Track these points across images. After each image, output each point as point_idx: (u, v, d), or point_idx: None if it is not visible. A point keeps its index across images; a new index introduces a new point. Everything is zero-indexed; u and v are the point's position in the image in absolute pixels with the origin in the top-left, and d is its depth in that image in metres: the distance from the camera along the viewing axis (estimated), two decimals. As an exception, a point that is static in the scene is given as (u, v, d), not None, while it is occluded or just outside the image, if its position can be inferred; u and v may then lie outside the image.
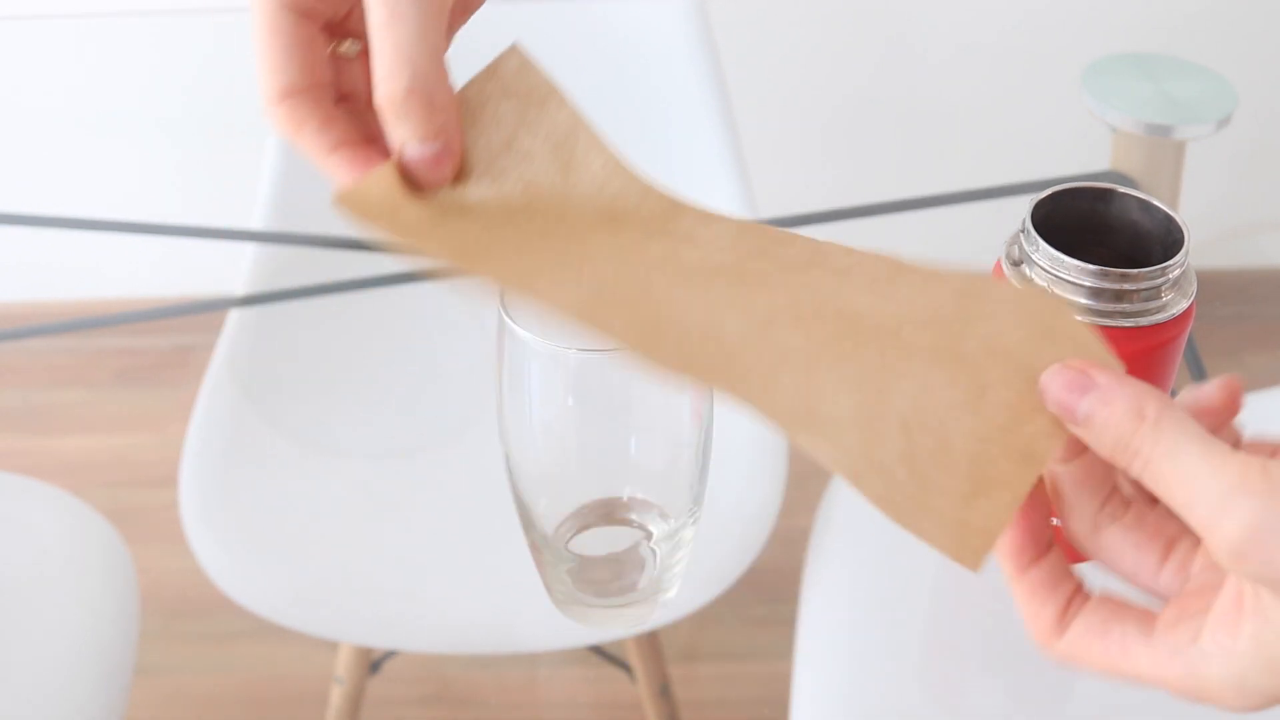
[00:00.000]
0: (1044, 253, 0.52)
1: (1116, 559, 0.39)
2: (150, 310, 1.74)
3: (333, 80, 0.43)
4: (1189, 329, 0.52)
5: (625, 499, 0.56)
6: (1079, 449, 0.39)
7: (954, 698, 0.87)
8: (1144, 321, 0.51)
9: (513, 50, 0.43)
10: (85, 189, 1.79)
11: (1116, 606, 0.39)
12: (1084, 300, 0.51)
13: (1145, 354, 0.52)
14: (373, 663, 1.23)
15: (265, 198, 1.22)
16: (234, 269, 1.19)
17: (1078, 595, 0.39)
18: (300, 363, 1.17)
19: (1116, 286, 0.51)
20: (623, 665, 1.33)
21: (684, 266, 0.40)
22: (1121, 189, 0.54)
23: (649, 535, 0.56)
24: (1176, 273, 0.51)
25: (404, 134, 0.40)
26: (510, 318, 0.51)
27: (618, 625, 0.58)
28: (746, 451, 1.02)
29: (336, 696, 1.18)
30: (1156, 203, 0.53)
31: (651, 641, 1.20)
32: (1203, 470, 0.35)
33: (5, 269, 1.84)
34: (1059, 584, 0.39)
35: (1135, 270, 0.51)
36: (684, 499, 0.55)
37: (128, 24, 1.69)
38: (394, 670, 1.39)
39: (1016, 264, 0.53)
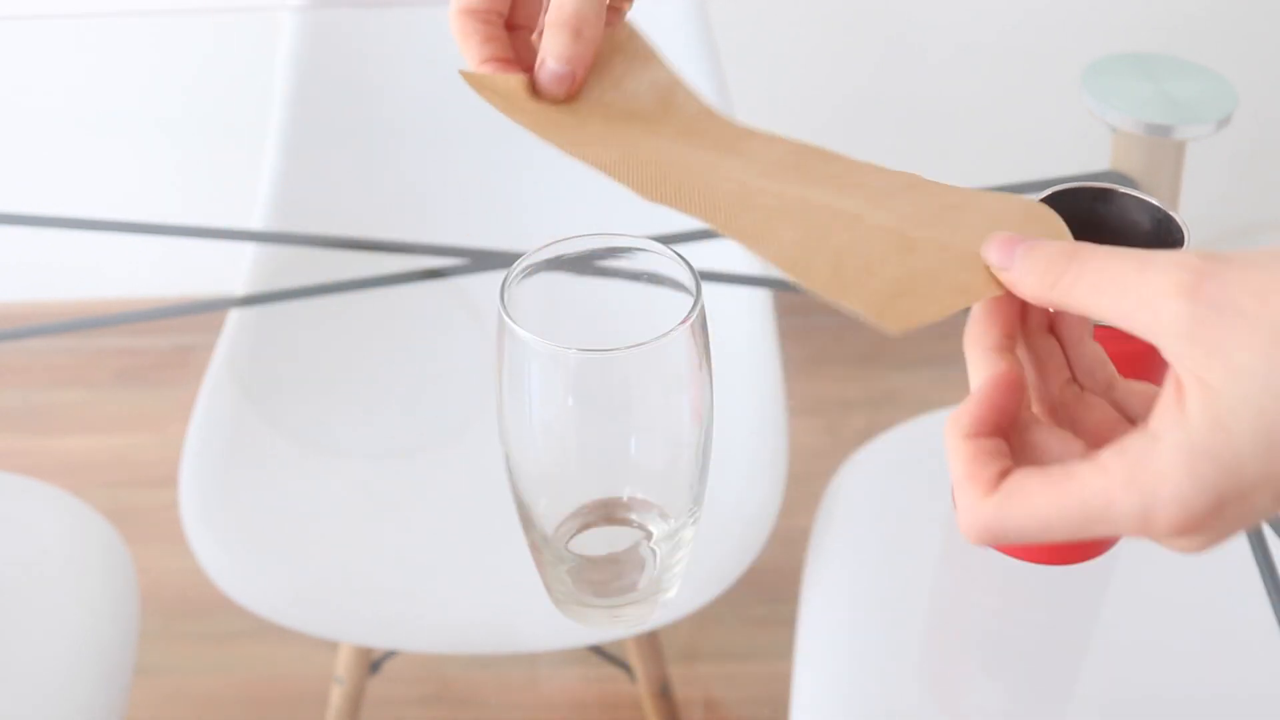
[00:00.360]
0: None
1: (1044, 452, 0.40)
2: (150, 310, 1.74)
3: (504, 11, 0.52)
4: None
5: (625, 499, 0.56)
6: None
7: (954, 698, 0.87)
8: None
9: (625, 24, 0.53)
10: (85, 189, 1.79)
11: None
12: None
13: (1146, 354, 0.52)
14: (373, 663, 1.23)
15: (265, 198, 1.22)
16: (234, 269, 1.19)
17: (1013, 469, 0.39)
18: (300, 363, 1.17)
19: None
20: (623, 665, 1.33)
21: (718, 163, 0.48)
22: (1121, 189, 0.54)
23: (649, 535, 0.56)
24: None
25: (547, 51, 0.50)
26: (511, 318, 0.51)
27: (618, 625, 0.58)
28: (746, 451, 1.02)
29: (336, 696, 1.18)
30: (1156, 203, 0.53)
31: (651, 641, 1.20)
32: (1145, 254, 0.37)
33: (5, 269, 1.84)
34: (1001, 455, 0.39)
35: None
36: (684, 499, 0.55)
37: (128, 24, 1.69)
38: (394, 670, 1.39)
39: None
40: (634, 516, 0.56)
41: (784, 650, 0.95)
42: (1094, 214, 0.55)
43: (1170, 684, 0.84)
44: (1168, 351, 0.36)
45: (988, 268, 0.40)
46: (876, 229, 0.43)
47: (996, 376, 0.40)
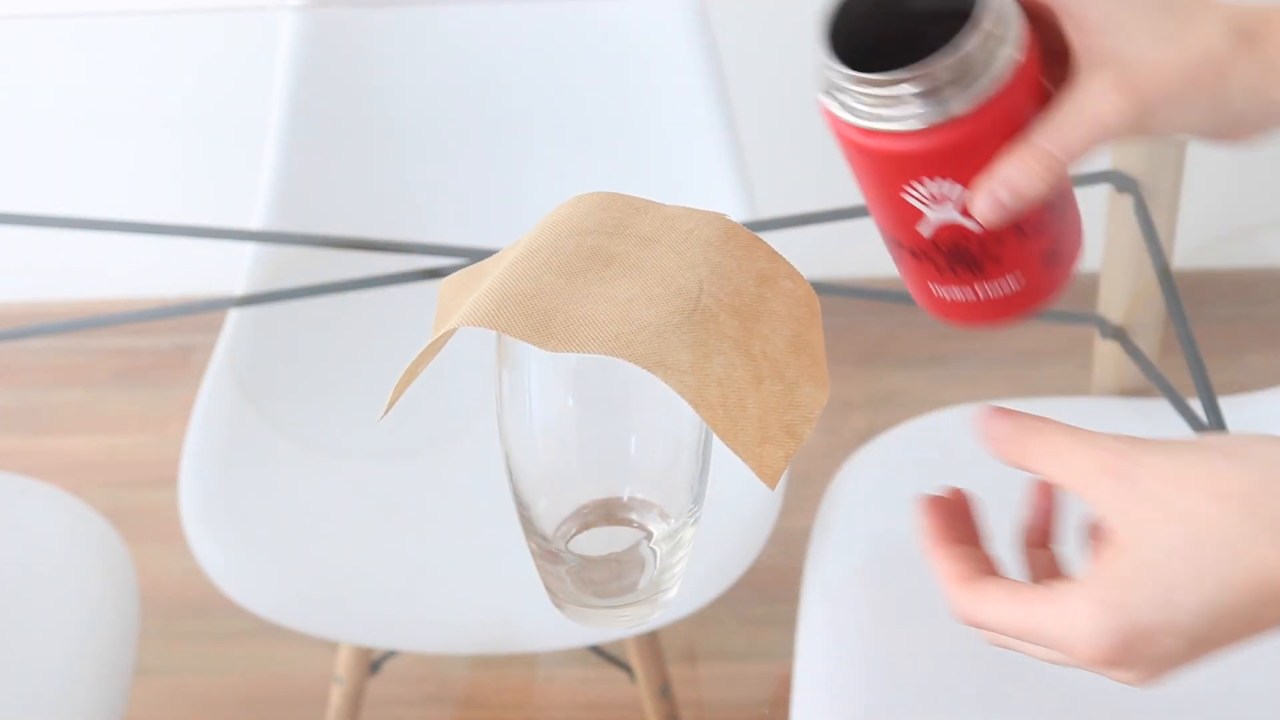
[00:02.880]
0: (834, 70, 0.48)
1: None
2: (150, 310, 1.74)
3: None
4: (1031, 96, 0.48)
5: (625, 499, 0.56)
6: None
7: (954, 698, 0.87)
8: (959, 111, 0.46)
9: None
10: (85, 189, 1.79)
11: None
12: (894, 110, 0.47)
13: (984, 134, 0.47)
14: (373, 663, 1.23)
15: (265, 197, 1.22)
16: (234, 269, 1.19)
17: (990, 569, 0.48)
18: (300, 363, 1.17)
19: (894, 93, 0.46)
20: (623, 665, 1.33)
21: (568, 260, 0.51)
22: None
23: (649, 535, 0.56)
24: (971, 45, 0.46)
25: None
26: (510, 318, 0.50)
27: (618, 625, 0.58)
28: (746, 451, 1.02)
29: (336, 696, 1.18)
30: None
31: (651, 641, 1.20)
32: (1076, 447, 0.46)
33: (5, 269, 1.84)
34: (975, 555, 0.49)
35: (891, 74, 0.46)
36: (684, 499, 0.55)
37: (128, 24, 1.69)
38: (394, 670, 1.39)
39: (828, 93, 0.49)
40: (634, 516, 0.56)
41: (784, 650, 0.95)
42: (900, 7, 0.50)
43: (1170, 683, 0.83)
44: (1099, 517, 0.44)
45: (804, 404, 0.50)
46: (735, 349, 0.49)
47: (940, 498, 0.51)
